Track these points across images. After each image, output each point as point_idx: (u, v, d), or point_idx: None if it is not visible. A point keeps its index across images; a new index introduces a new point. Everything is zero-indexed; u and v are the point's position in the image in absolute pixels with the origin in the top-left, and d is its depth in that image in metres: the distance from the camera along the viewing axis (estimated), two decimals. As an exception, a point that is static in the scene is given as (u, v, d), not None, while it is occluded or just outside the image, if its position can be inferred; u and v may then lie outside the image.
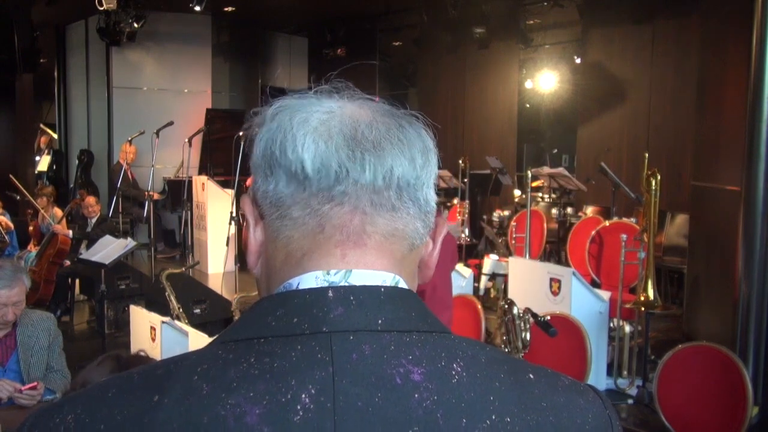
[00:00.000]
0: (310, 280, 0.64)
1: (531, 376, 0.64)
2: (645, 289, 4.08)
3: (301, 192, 0.64)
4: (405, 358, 0.60)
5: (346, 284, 0.63)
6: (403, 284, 0.66)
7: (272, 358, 0.59)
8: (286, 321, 0.61)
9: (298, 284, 0.64)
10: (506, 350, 2.73)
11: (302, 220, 0.65)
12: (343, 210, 0.64)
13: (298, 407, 0.56)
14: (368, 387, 0.58)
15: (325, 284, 0.63)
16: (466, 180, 7.54)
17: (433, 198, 0.69)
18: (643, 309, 4.11)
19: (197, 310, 5.44)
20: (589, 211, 7.42)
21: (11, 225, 7.12)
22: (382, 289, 0.64)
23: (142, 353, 2.07)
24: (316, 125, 0.65)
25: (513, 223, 6.83)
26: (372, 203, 0.65)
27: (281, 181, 0.65)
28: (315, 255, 0.65)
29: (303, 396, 0.57)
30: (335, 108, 0.66)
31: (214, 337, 0.66)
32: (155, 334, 3.48)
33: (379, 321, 0.62)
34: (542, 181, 7.83)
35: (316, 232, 0.65)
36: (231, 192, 6.73)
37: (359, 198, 0.64)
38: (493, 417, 0.59)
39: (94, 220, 7.01)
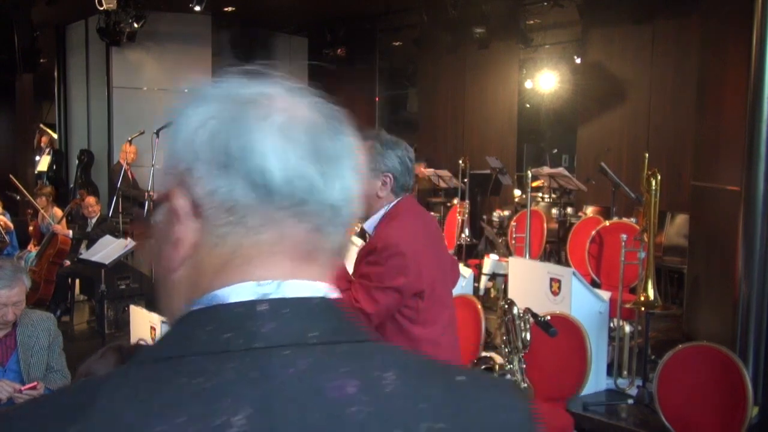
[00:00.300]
0: (240, 291, 0.60)
1: (459, 378, 0.64)
2: (645, 289, 4.08)
3: (263, 203, 0.60)
4: (340, 370, 0.58)
5: (279, 297, 0.61)
6: (332, 294, 0.64)
7: (204, 378, 0.55)
8: (216, 336, 0.58)
9: (228, 296, 0.60)
10: (506, 350, 2.73)
11: (258, 230, 0.61)
12: (306, 226, 0.62)
13: (234, 430, 0.53)
14: (305, 403, 0.56)
15: (257, 296, 0.60)
16: (466, 180, 7.54)
17: None
18: (643, 309, 4.10)
19: (197, 310, 5.43)
20: (589, 211, 7.42)
21: (11, 225, 7.12)
22: (315, 301, 0.62)
23: (143, 342, 2.06)
24: (278, 127, 0.61)
25: (513, 223, 6.82)
26: (331, 221, 0.63)
27: (238, 185, 0.60)
28: (259, 264, 0.61)
29: (238, 417, 0.54)
30: (287, 104, 0.63)
31: (136, 355, 0.60)
32: (155, 334, 3.48)
33: (314, 334, 0.60)
34: (542, 181, 7.83)
35: (271, 244, 0.61)
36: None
37: (322, 216, 0.63)
38: (427, 424, 0.58)
39: (94, 220, 7.02)
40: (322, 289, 0.63)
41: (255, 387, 0.55)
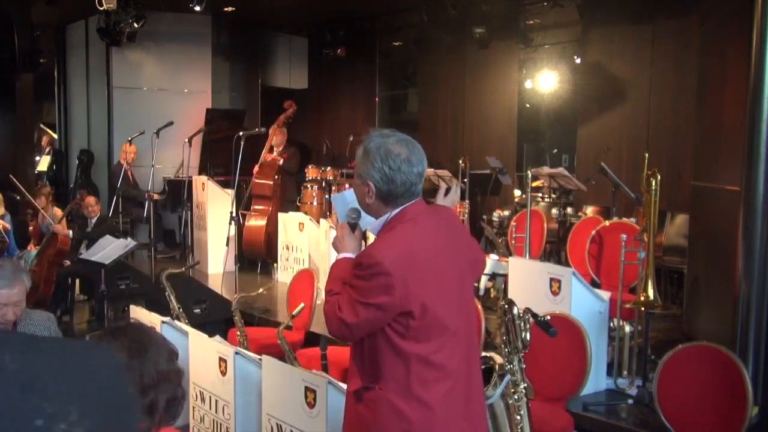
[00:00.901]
0: None
1: (65, 347, 0.73)
2: (645, 289, 4.08)
3: None
4: None
5: None
6: None
7: None
8: None
9: None
10: (506, 350, 2.73)
11: None
12: None
13: None
14: None
15: None
16: (466, 180, 7.54)
17: None
18: (643, 309, 4.10)
19: (197, 310, 5.44)
20: (589, 211, 7.42)
21: (8, 226, 7.11)
22: None
23: (133, 320, 2.05)
24: None
25: (513, 223, 6.82)
26: None
27: None
28: None
29: None
30: None
31: None
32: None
33: None
34: (542, 181, 7.83)
35: None
36: (231, 192, 6.73)
37: None
38: (54, 386, 0.65)
39: (94, 220, 7.02)
40: None
41: None
